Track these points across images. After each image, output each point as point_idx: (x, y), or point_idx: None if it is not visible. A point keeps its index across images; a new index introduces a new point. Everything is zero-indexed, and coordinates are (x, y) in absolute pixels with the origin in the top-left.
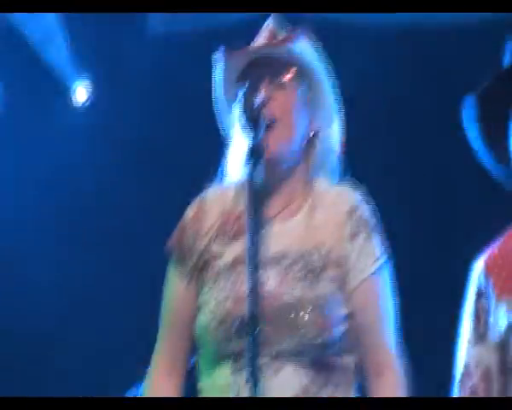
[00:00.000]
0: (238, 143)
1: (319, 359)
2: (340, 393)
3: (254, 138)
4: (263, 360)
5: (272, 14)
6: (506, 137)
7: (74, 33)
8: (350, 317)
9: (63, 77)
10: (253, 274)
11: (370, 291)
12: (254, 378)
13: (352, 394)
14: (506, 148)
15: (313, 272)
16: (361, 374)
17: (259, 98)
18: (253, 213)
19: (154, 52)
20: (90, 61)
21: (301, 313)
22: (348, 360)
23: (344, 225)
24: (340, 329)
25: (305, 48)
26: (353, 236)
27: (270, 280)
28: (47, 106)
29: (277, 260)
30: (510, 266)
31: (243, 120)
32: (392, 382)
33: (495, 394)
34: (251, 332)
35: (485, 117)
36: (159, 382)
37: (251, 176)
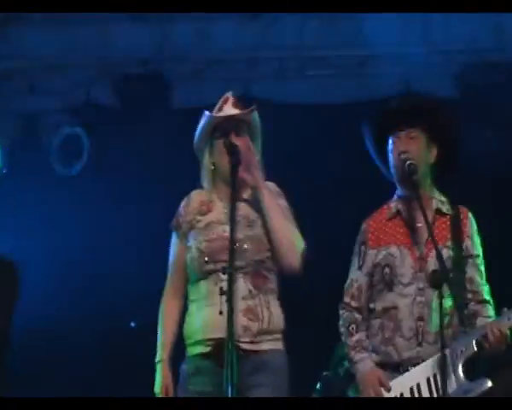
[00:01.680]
0: (207, 168)
1: (257, 271)
2: (270, 295)
3: (233, 162)
4: (226, 275)
5: (231, 93)
6: (386, 153)
7: None
8: (270, 243)
9: None
10: (231, 228)
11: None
12: (229, 284)
13: (275, 289)
14: (386, 160)
15: (250, 224)
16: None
17: (233, 141)
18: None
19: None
20: None
21: (247, 243)
22: (274, 272)
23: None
24: (267, 253)
25: (256, 117)
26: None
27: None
28: None
29: (237, 221)
30: (376, 231)
31: (225, 152)
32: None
33: (363, 299)
34: (230, 258)
35: (375, 140)
36: (168, 302)
37: (234, 182)
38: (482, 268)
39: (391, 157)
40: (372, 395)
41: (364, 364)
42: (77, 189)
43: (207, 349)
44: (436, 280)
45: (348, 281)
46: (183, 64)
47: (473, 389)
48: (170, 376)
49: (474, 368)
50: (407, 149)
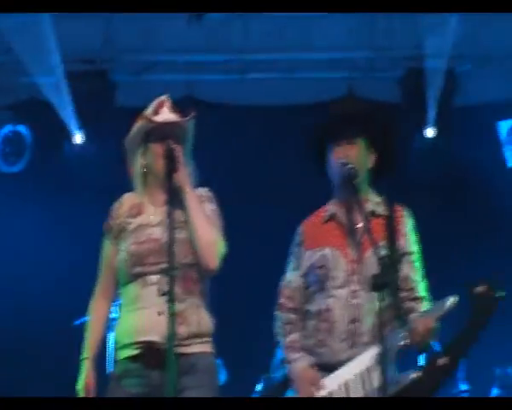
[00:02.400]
0: (138, 171)
1: (185, 274)
2: (199, 298)
3: (169, 168)
4: (158, 276)
5: (166, 96)
6: (326, 158)
7: None
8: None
9: None
10: (169, 232)
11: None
12: (170, 286)
13: (205, 293)
14: (325, 164)
15: (180, 227)
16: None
17: (170, 146)
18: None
19: None
20: None
21: (176, 245)
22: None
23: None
24: (194, 256)
25: (192, 124)
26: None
27: (161, 233)
28: None
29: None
30: (312, 233)
31: (161, 156)
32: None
33: (298, 300)
34: (169, 261)
35: (315, 146)
36: (96, 302)
37: (170, 187)
38: (417, 265)
39: (331, 162)
40: (304, 394)
41: (297, 364)
42: (19, 186)
43: (136, 352)
44: (376, 284)
45: (284, 282)
46: (127, 63)
47: (401, 380)
48: (93, 374)
49: (405, 361)
50: (347, 154)
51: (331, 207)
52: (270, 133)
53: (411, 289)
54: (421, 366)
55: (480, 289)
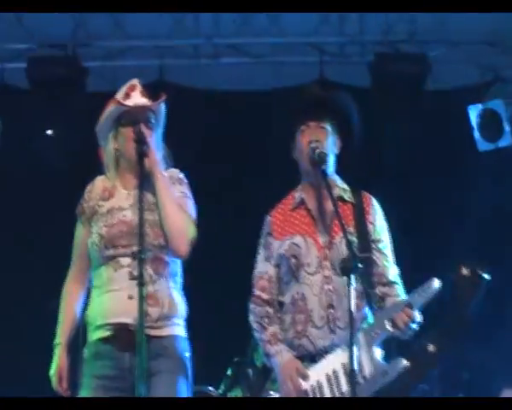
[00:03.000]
0: (110, 154)
1: (157, 256)
2: (171, 280)
3: (140, 151)
4: (129, 259)
5: (137, 80)
6: (294, 142)
7: None
8: (162, 228)
9: None
10: (140, 215)
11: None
12: (140, 270)
13: (177, 275)
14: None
15: (150, 209)
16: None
17: (140, 129)
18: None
19: None
20: None
21: (146, 227)
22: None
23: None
24: (164, 238)
25: (163, 107)
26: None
27: (133, 215)
28: None
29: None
30: (280, 221)
31: (133, 140)
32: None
33: (274, 290)
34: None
35: (283, 128)
36: (69, 287)
37: (141, 171)
38: (386, 251)
39: (300, 144)
40: (291, 386)
41: (282, 356)
42: None
43: (107, 334)
44: (346, 268)
45: (256, 273)
46: (98, 48)
47: (389, 370)
48: (65, 360)
49: (389, 348)
50: (317, 138)
51: (299, 194)
52: (243, 118)
53: (381, 275)
54: (410, 355)
55: (465, 271)
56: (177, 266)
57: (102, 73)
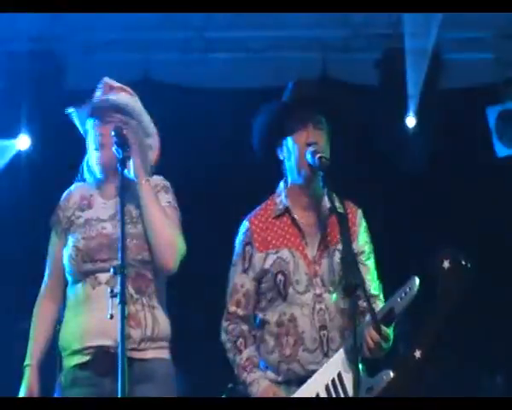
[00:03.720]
0: (89, 161)
1: (139, 273)
2: (155, 299)
3: (123, 156)
4: (109, 274)
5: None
6: (280, 142)
7: None
8: (148, 241)
9: None
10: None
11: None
12: (122, 286)
13: (162, 293)
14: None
15: (132, 221)
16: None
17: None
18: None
19: None
20: None
21: (128, 240)
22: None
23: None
24: (149, 253)
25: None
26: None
27: (113, 227)
28: None
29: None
30: (262, 231)
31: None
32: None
33: (250, 306)
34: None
35: (271, 126)
36: (42, 305)
37: (122, 177)
38: (369, 264)
39: (294, 146)
40: None
41: (259, 384)
42: None
43: (86, 358)
44: (350, 288)
45: (231, 286)
46: (78, 43)
47: (375, 385)
48: (36, 383)
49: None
50: (315, 140)
51: (282, 200)
52: (237, 118)
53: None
54: (395, 365)
55: (446, 263)
56: (161, 284)
57: (82, 68)
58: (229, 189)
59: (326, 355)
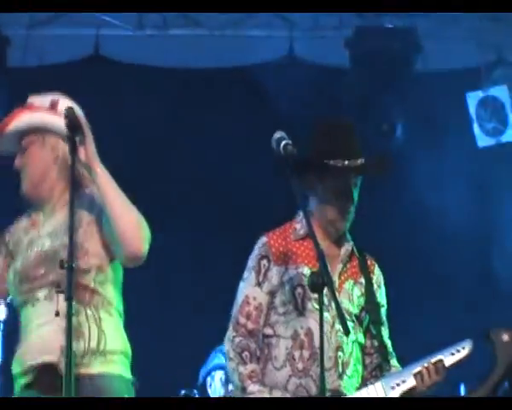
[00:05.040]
0: None
1: (79, 283)
2: (102, 310)
3: (73, 139)
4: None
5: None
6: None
7: None
8: (112, 231)
9: None
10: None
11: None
12: (69, 282)
13: (112, 304)
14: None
15: (77, 227)
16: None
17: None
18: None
19: None
20: None
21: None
22: (109, 283)
23: None
24: (95, 260)
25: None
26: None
27: (51, 241)
28: None
29: (56, 228)
30: (282, 248)
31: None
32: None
33: (261, 321)
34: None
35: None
36: None
37: (73, 161)
38: (386, 321)
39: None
40: None
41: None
42: None
43: (29, 379)
44: (317, 283)
45: (241, 298)
46: (22, 17)
47: None
48: None
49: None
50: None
51: (303, 226)
52: (197, 99)
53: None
54: None
55: (507, 337)
56: (110, 294)
57: (27, 43)
58: (179, 167)
59: (340, 378)
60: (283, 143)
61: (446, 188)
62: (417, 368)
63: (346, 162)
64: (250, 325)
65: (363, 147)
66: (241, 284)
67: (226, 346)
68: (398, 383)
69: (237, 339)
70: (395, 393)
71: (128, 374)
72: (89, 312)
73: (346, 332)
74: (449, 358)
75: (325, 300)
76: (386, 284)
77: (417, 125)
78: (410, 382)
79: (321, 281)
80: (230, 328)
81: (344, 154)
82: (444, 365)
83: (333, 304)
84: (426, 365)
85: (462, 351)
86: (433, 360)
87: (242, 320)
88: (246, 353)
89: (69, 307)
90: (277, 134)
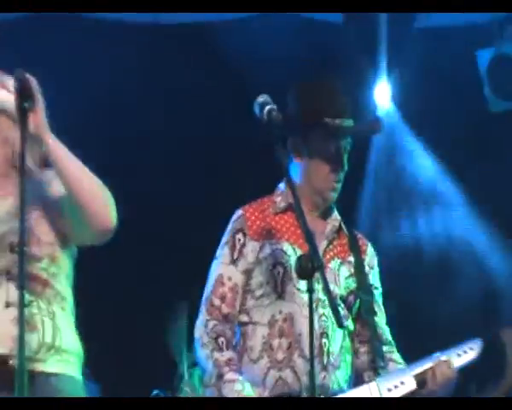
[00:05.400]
0: None
1: (32, 271)
2: (56, 305)
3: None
4: None
5: None
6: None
7: None
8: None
9: None
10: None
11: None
12: (20, 268)
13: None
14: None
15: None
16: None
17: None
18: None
19: None
20: None
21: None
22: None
23: None
24: (48, 248)
25: None
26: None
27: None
28: None
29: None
30: (259, 221)
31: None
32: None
33: (237, 304)
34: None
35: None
36: None
37: (23, 130)
38: (382, 304)
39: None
40: None
41: (243, 387)
42: None
43: None
44: (306, 268)
45: (214, 277)
46: None
47: None
48: None
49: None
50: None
51: (284, 198)
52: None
53: (381, 331)
54: None
55: None
56: (63, 288)
57: None
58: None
59: (325, 369)
60: (267, 107)
61: (456, 158)
62: (419, 369)
63: (337, 121)
64: (225, 309)
65: (352, 108)
66: (214, 263)
67: (198, 331)
68: (396, 384)
69: (211, 323)
70: (391, 396)
71: (80, 377)
72: (42, 305)
73: (340, 324)
74: (456, 360)
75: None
76: (380, 266)
77: (419, 87)
78: (410, 384)
79: (311, 266)
80: (203, 311)
81: (332, 112)
82: (451, 366)
83: (317, 285)
84: (430, 365)
85: (469, 352)
86: (439, 360)
87: (217, 302)
88: (221, 339)
89: (21, 294)
90: (260, 98)
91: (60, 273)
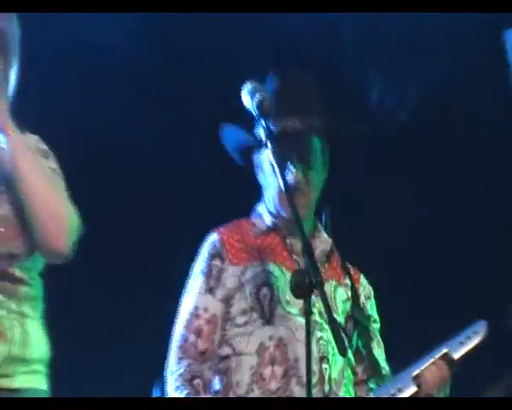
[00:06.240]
0: None
1: (4, 268)
2: (28, 308)
3: None
4: None
5: None
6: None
7: None
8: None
9: None
10: None
11: None
12: None
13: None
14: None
15: None
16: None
17: None
18: None
19: None
20: None
21: None
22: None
23: None
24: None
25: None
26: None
27: None
28: None
29: None
30: (239, 244)
31: None
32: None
33: (216, 337)
34: None
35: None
36: None
37: None
38: (380, 338)
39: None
40: None
41: None
42: None
43: None
44: (302, 286)
45: (187, 310)
46: None
47: None
48: None
49: None
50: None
51: (266, 220)
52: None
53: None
54: None
55: None
56: (35, 287)
57: None
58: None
59: (327, 397)
60: (258, 96)
61: (478, 152)
62: (417, 369)
63: (296, 121)
64: (201, 345)
65: (328, 107)
66: (185, 297)
67: (170, 368)
68: (394, 392)
69: (185, 362)
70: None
71: (46, 387)
72: (12, 305)
73: (343, 352)
74: (458, 349)
75: (297, 302)
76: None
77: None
78: (409, 389)
79: (308, 282)
80: (175, 349)
81: (293, 111)
82: (451, 358)
83: (318, 306)
84: (428, 363)
85: (473, 338)
86: (437, 355)
87: (191, 338)
88: (198, 381)
89: None
90: (249, 85)
91: (33, 269)
